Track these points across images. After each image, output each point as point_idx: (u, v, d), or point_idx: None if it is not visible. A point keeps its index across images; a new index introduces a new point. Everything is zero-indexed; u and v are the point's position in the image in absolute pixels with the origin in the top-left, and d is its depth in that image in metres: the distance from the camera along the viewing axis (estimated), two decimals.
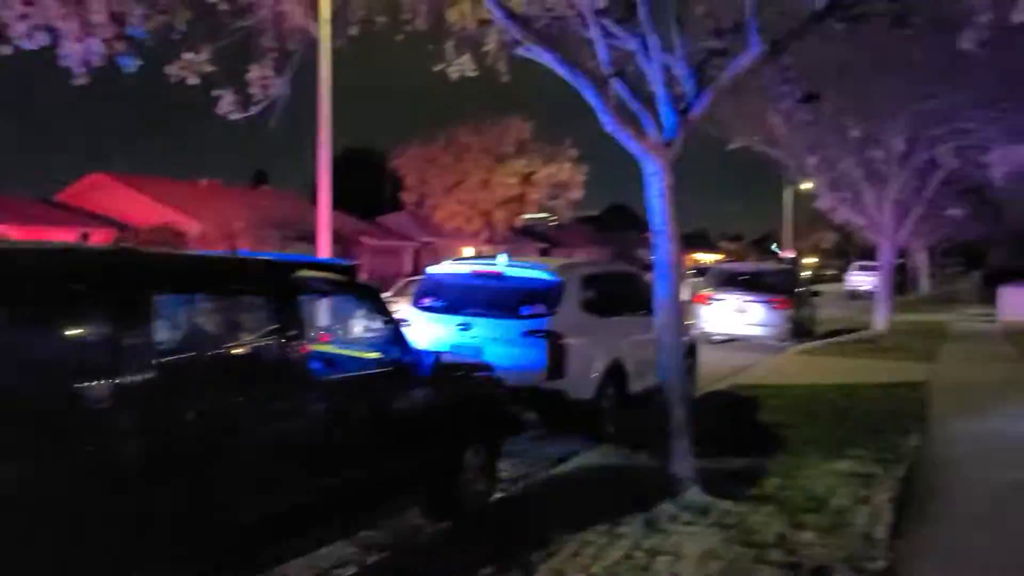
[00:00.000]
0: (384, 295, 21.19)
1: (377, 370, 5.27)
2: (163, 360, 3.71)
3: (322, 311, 10.14)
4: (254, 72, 6.92)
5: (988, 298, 29.57)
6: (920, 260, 48.50)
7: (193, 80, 6.38)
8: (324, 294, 5.60)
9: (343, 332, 9.21)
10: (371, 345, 5.60)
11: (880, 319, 21.79)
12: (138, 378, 3.54)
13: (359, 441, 4.88)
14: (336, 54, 15.29)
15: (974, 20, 6.54)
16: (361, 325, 5.66)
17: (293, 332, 4.46)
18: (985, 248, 50.17)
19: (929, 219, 27.18)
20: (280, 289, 4.55)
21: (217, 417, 3.94)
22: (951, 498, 6.54)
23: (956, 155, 19.21)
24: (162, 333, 3.94)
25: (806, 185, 22.21)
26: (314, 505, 4.51)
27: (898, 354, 16.18)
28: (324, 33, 14.26)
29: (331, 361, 5.18)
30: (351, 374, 5.12)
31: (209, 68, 6.52)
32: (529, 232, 54.37)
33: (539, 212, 37.40)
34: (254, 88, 7.02)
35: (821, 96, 7.58)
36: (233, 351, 4.38)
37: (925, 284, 47.24)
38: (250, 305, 4.58)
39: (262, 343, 4.40)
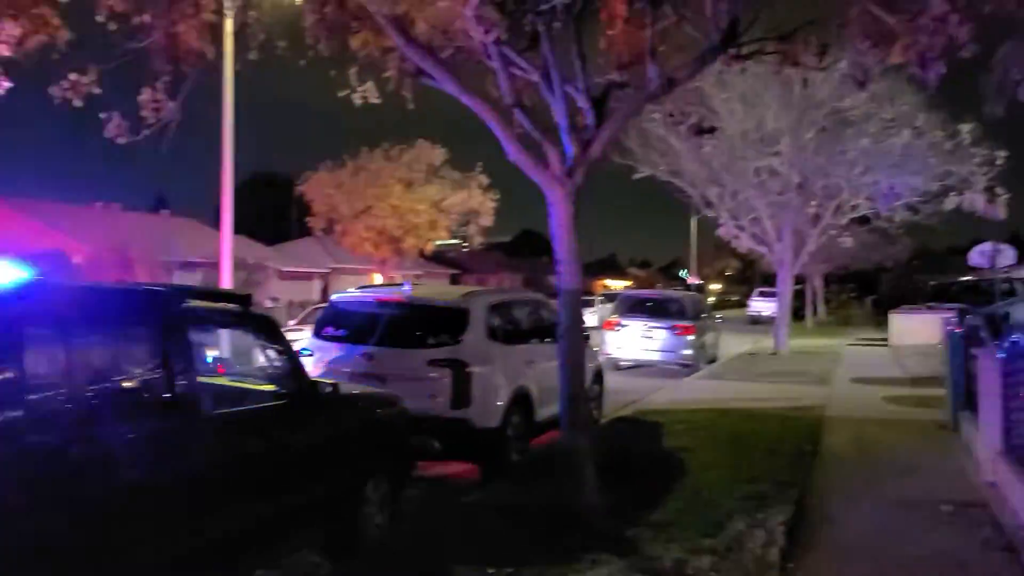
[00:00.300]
0: (290, 323, 20.74)
1: (272, 403, 5.10)
2: (31, 396, 3.47)
3: (220, 342, 9.82)
4: (146, 95, 6.70)
5: (880, 323, 31.06)
6: (817, 286, 50.60)
7: (78, 102, 6.11)
8: (216, 325, 5.40)
9: (240, 364, 8.92)
10: (267, 377, 5.42)
11: (779, 344, 22.61)
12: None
13: (249, 478, 4.69)
14: (244, 77, 15.03)
15: (858, 60, 6.92)
16: (258, 356, 5.48)
17: (180, 365, 4.27)
18: (876, 275, 52.78)
19: (825, 247, 28.41)
20: (167, 320, 4.35)
21: (83, 457, 3.68)
22: (841, 521, 6.76)
23: (849, 186, 20.25)
24: (34, 366, 3.69)
25: (711, 214, 22.97)
26: (198, 548, 4.28)
27: (796, 378, 16.76)
28: (227, 57, 14.01)
29: (222, 394, 4.98)
30: (242, 408, 4.94)
31: (97, 90, 6.27)
32: (439, 258, 54.33)
33: (450, 238, 37.33)
34: (146, 111, 6.79)
35: (715, 129, 7.81)
36: (110, 385, 4.14)
37: (822, 310, 49.23)
38: (133, 337, 4.36)
39: (144, 376, 4.19)
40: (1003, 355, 7.44)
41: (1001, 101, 7.10)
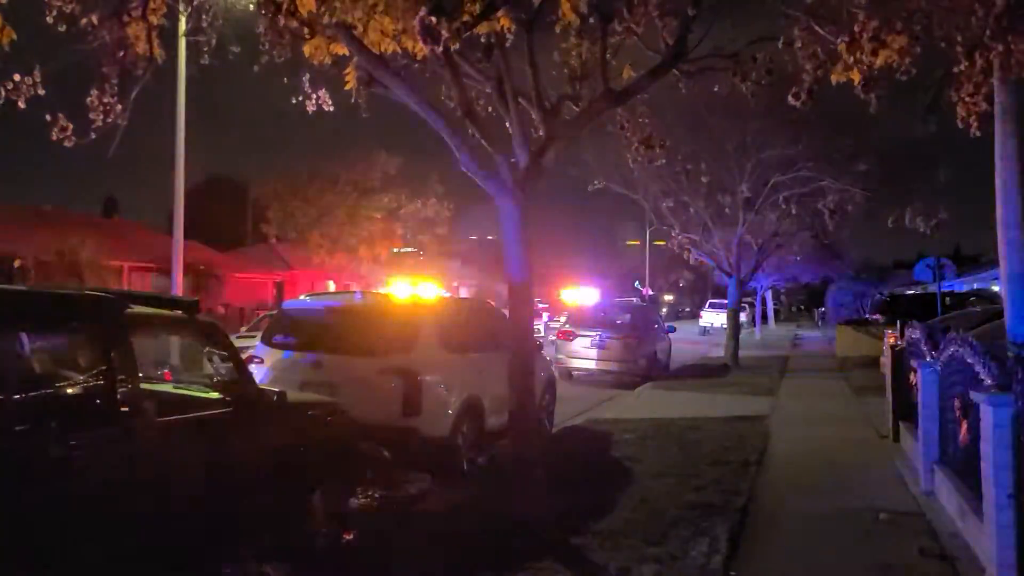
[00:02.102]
0: (241, 329, 20.45)
1: (217, 410, 5.05)
2: None
3: (169, 348, 9.67)
4: (94, 97, 6.58)
5: (827, 336, 31.72)
6: (767, 299, 51.51)
7: (21, 104, 5.98)
8: (161, 331, 5.33)
9: (187, 371, 8.79)
10: (213, 384, 5.36)
11: (729, 354, 22.96)
12: None
13: (192, 486, 4.64)
14: (198, 81, 14.88)
15: (802, 79, 7.09)
16: (205, 363, 5.42)
17: (122, 372, 4.22)
18: (823, 288, 53.91)
19: (774, 261, 28.98)
20: (108, 326, 4.29)
21: (17, 464, 3.60)
22: (783, 529, 6.89)
23: (797, 201, 20.69)
24: None
25: (664, 227, 23.32)
26: (137, 557, 4.22)
27: (744, 388, 17.03)
28: (180, 60, 13.85)
29: (166, 401, 4.91)
30: (186, 415, 4.87)
31: (42, 91, 6.14)
32: (395, 266, 54.06)
33: (405, 247, 37.21)
34: (94, 114, 6.67)
35: (665, 144, 7.94)
36: (49, 391, 4.07)
37: (771, 321, 50.10)
38: (73, 342, 4.29)
39: (85, 383, 4.13)
40: (939, 367, 7.67)
41: (934, 120, 7.35)
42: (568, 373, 18.23)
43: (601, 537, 6.16)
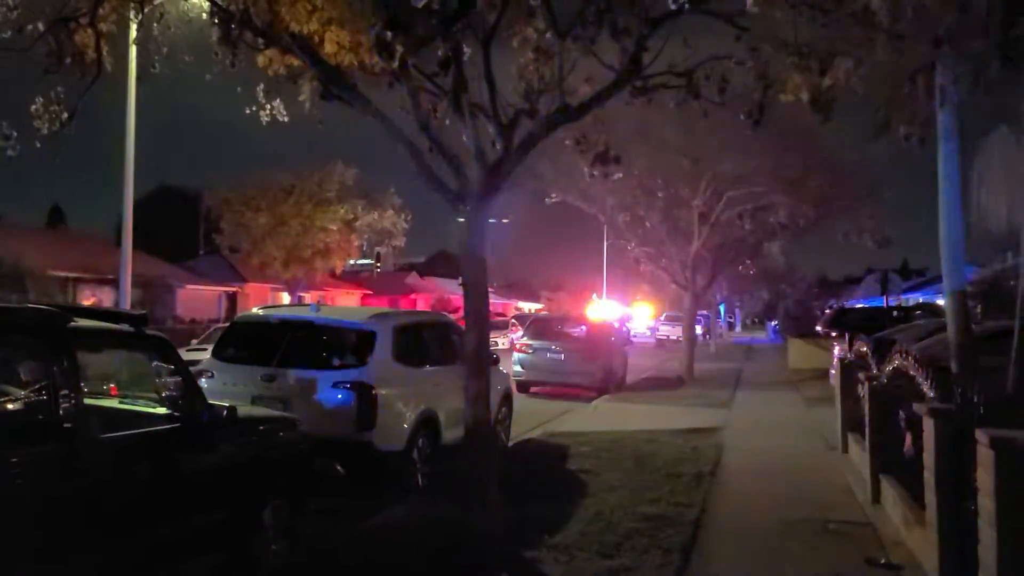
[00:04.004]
0: (192, 342, 20.05)
1: (164, 426, 4.95)
2: None
3: (116, 363, 9.43)
4: (39, 104, 6.45)
5: (779, 349, 32.24)
6: (721, 312, 52.21)
7: None
8: (106, 346, 5.20)
9: (135, 385, 8.62)
10: (161, 399, 5.25)
11: (684, 367, 23.20)
12: None
13: (137, 504, 4.53)
14: (150, 89, 14.65)
15: (753, 96, 7.24)
16: (153, 378, 5.31)
17: (65, 387, 4.11)
18: (777, 302, 54.85)
19: (728, 275, 29.42)
20: (50, 341, 4.18)
21: None
22: (734, 540, 6.97)
23: (751, 216, 21.06)
24: None
25: (620, 241, 23.55)
26: None
27: (698, 400, 17.21)
28: (131, 67, 13.63)
29: (111, 417, 4.81)
30: (132, 431, 4.76)
31: None
32: (351, 278, 53.66)
33: (362, 258, 36.94)
34: (39, 122, 6.54)
35: (620, 159, 8.03)
36: None
37: (726, 334, 50.77)
38: (14, 357, 4.18)
39: (26, 399, 4.02)
40: (885, 380, 7.85)
41: (883, 134, 7.56)
42: (524, 386, 18.24)
43: (555, 550, 6.16)
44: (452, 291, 58.21)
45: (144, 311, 5.31)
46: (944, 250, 8.62)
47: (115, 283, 16.95)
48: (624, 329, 24.77)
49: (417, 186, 7.06)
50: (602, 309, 44.16)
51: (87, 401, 4.47)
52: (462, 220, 6.98)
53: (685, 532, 6.83)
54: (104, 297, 27.10)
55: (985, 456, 4.28)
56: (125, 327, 4.92)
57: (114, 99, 13.89)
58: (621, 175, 9.66)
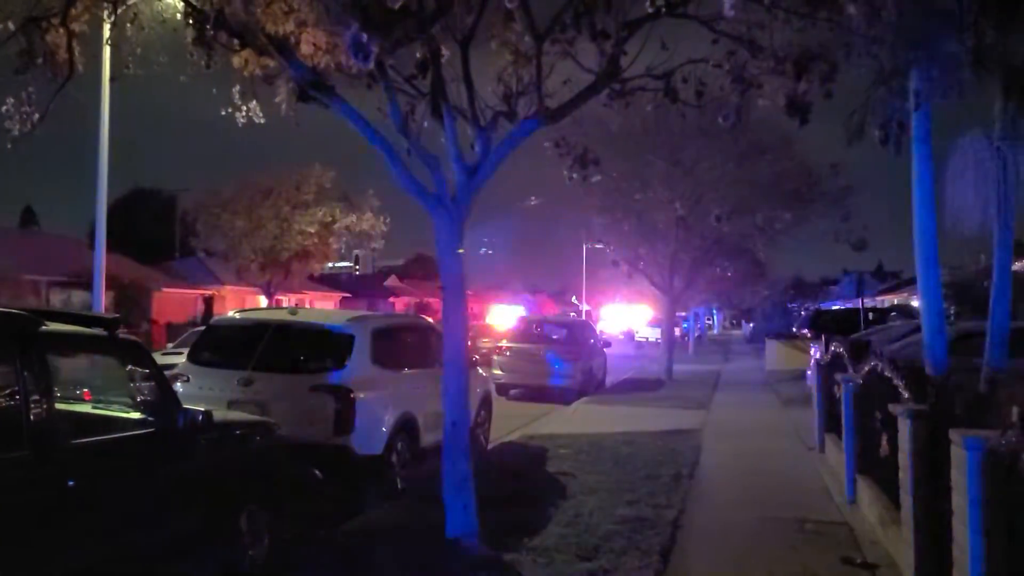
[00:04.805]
0: (168, 345, 19.84)
1: (137, 432, 4.88)
2: None
3: (90, 368, 9.30)
4: (10, 106, 6.34)
5: (757, 350, 32.46)
6: (701, 314, 52.48)
7: None
8: (79, 350, 5.12)
9: (109, 390, 8.52)
10: (135, 404, 5.18)
11: (663, 369, 23.30)
12: None
13: (110, 511, 4.47)
14: (124, 89, 14.47)
15: (730, 100, 7.27)
16: (127, 383, 5.23)
17: (35, 392, 4.04)
18: (752, 305, 55.24)
19: (706, 278, 29.53)
20: (20, 345, 4.11)
21: None
22: (712, 541, 6.99)
23: (728, 219, 21.18)
24: None
25: (599, 245, 23.63)
26: None
27: (676, 402, 17.27)
28: (104, 67, 13.46)
29: (84, 423, 4.73)
30: (104, 437, 4.70)
31: None
32: (330, 281, 53.37)
33: (340, 261, 36.73)
34: (10, 123, 6.43)
35: (599, 162, 8.04)
36: None
37: (705, 336, 51.07)
38: None
39: None
40: (861, 382, 7.91)
41: (858, 138, 7.62)
42: (504, 388, 18.22)
43: (534, 553, 6.16)
44: (431, 294, 58.13)
45: (118, 315, 5.23)
46: (918, 252, 8.70)
47: (89, 286, 16.72)
48: (600, 333, 24.78)
49: (396, 189, 7.01)
50: (580, 312, 44.19)
51: (59, 406, 4.40)
52: (440, 222, 6.94)
53: (664, 533, 6.85)
54: (77, 300, 26.78)
55: (958, 456, 4.32)
56: (99, 331, 4.85)
57: (88, 100, 13.71)
58: (600, 178, 9.69)
